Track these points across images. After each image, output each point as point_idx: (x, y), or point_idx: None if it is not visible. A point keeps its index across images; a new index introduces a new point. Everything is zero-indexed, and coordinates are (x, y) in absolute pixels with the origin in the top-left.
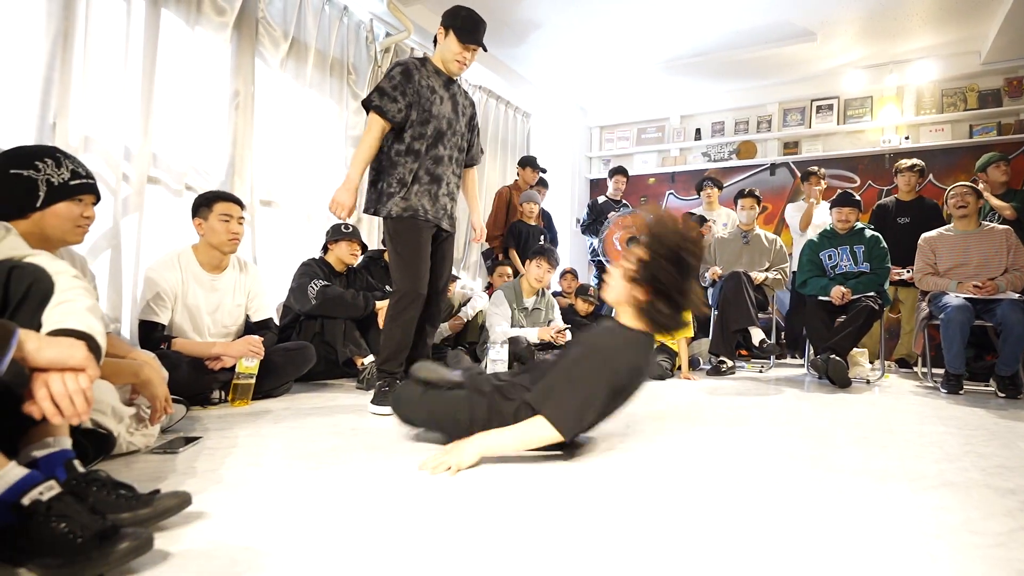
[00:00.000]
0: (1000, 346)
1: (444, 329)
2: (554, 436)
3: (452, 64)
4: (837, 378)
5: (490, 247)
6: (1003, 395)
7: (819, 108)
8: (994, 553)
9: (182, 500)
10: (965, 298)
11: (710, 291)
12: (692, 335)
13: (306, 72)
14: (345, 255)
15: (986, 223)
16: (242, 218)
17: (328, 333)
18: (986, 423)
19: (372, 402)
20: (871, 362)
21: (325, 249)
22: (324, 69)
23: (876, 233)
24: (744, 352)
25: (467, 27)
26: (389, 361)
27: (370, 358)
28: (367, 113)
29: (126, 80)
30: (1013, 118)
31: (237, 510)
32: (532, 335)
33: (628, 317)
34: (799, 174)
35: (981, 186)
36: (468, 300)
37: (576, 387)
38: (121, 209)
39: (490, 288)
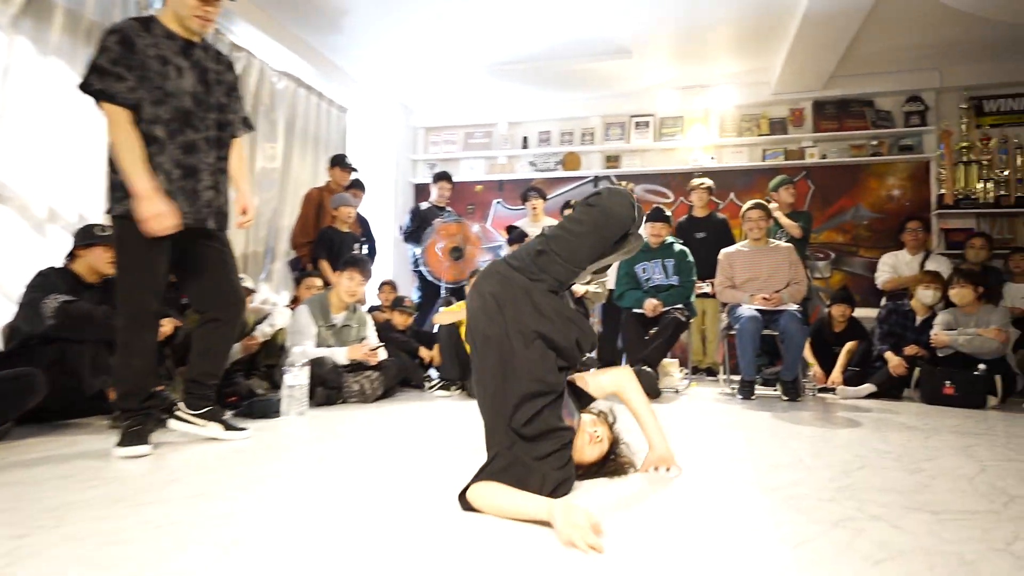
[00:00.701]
0: (783, 353)
1: (235, 351)
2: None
3: (191, 21)
4: (648, 388)
5: (297, 256)
6: (787, 398)
7: (637, 124)
8: (749, 537)
9: None
10: (756, 309)
11: None
12: None
13: (50, 36)
14: (100, 263)
15: (773, 240)
16: None
17: (71, 360)
18: (770, 425)
19: (119, 445)
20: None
21: (72, 256)
22: (76, 35)
23: (684, 247)
24: None
25: None
26: (129, 397)
27: None
28: (96, 101)
29: None
30: (796, 145)
31: None
32: (340, 355)
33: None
34: None
35: (773, 205)
36: (265, 317)
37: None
38: None
39: (296, 302)
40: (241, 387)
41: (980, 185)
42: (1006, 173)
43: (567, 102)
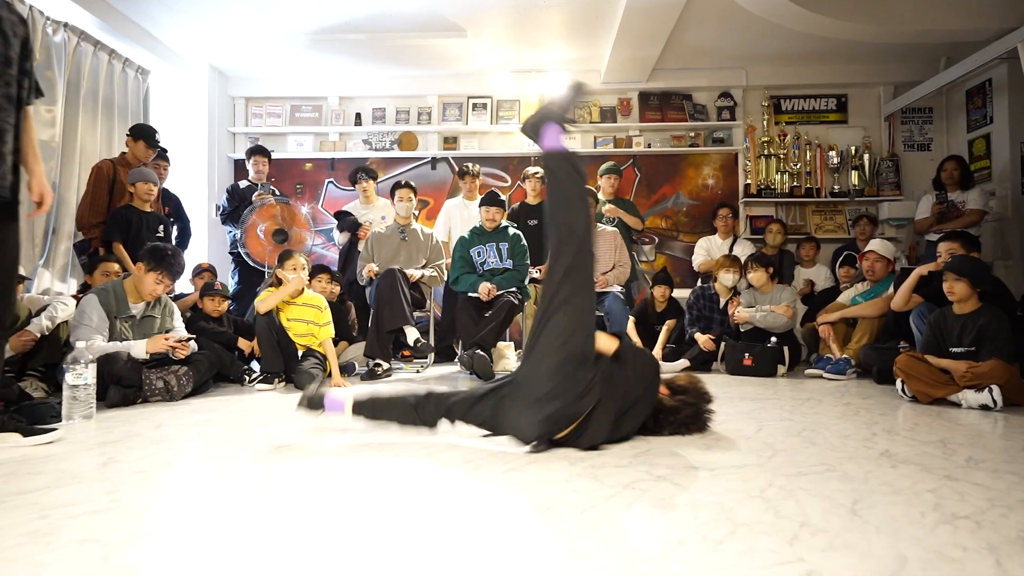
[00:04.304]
0: (608, 332)
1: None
2: None
3: None
4: (481, 372)
5: (85, 238)
6: None
7: (475, 105)
8: (546, 505)
9: None
10: None
11: (368, 290)
12: (333, 335)
13: None
14: None
15: (600, 225)
16: None
17: None
18: None
19: None
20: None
21: None
22: None
23: (518, 231)
24: (407, 353)
25: None
26: None
27: None
28: None
29: None
30: (624, 134)
31: None
32: (138, 349)
33: None
34: (457, 170)
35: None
36: (44, 308)
37: None
38: None
39: (86, 292)
40: (11, 391)
41: (778, 176)
42: (798, 166)
43: (403, 79)
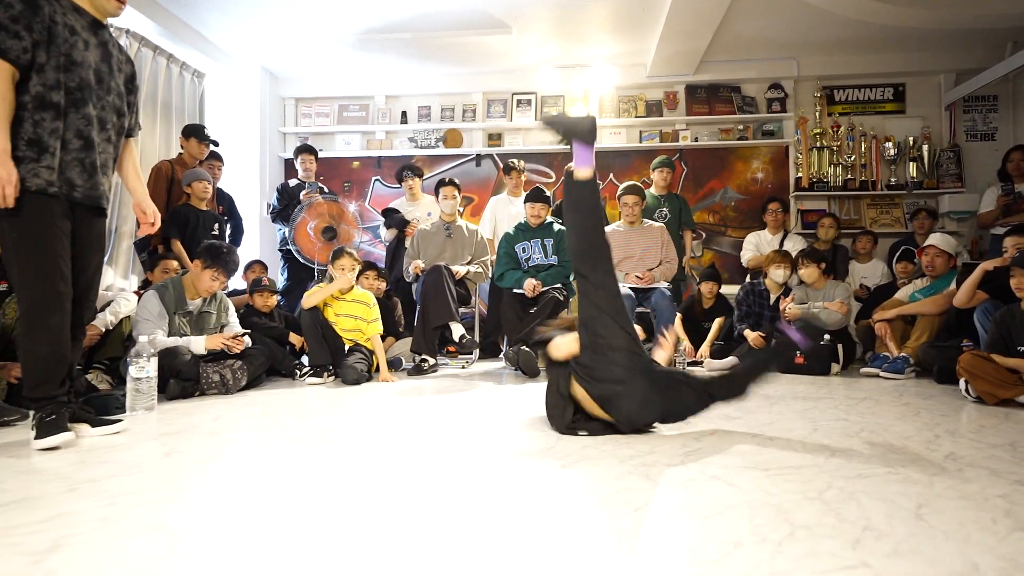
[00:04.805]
0: (656, 329)
1: None
2: None
3: (109, 3)
4: (527, 368)
5: (145, 236)
6: None
7: (519, 102)
8: (598, 504)
9: None
10: (630, 288)
11: (414, 287)
12: (381, 331)
13: None
14: None
15: (647, 221)
16: None
17: None
18: None
19: (36, 437)
20: None
21: None
22: None
23: (563, 227)
24: (453, 348)
25: None
26: (43, 385)
27: None
28: None
29: None
30: (670, 128)
31: None
32: (197, 344)
33: None
34: (501, 166)
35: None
36: (108, 303)
37: None
38: None
39: (147, 288)
40: (78, 383)
41: (831, 169)
42: (852, 158)
43: (448, 77)
